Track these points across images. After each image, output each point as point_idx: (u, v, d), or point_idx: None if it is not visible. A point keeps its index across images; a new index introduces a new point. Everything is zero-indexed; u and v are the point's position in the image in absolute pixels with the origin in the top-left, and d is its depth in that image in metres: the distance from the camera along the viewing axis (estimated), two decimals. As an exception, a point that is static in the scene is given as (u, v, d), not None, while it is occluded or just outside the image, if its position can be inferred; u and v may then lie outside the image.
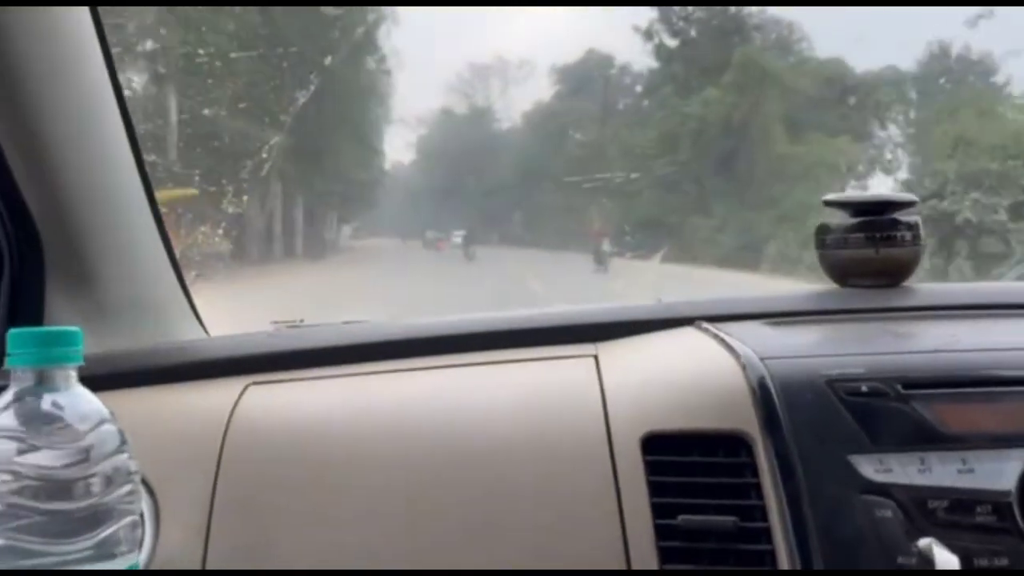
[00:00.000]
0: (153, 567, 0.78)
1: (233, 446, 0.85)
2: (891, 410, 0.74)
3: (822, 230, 1.06)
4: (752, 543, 0.72)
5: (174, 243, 1.23)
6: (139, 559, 0.79)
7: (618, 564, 0.73)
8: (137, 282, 1.15)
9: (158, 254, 1.17)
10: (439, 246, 20.84)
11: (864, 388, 0.75)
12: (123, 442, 0.68)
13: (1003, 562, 0.68)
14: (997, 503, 0.69)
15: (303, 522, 0.80)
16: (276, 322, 1.35)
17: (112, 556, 0.65)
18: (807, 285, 1.06)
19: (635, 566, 0.73)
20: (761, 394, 0.76)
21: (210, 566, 0.78)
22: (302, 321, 1.34)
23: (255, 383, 0.94)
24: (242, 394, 0.91)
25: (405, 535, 0.78)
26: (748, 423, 0.76)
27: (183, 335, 1.23)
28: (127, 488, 0.68)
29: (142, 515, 0.80)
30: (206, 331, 1.30)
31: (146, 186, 1.12)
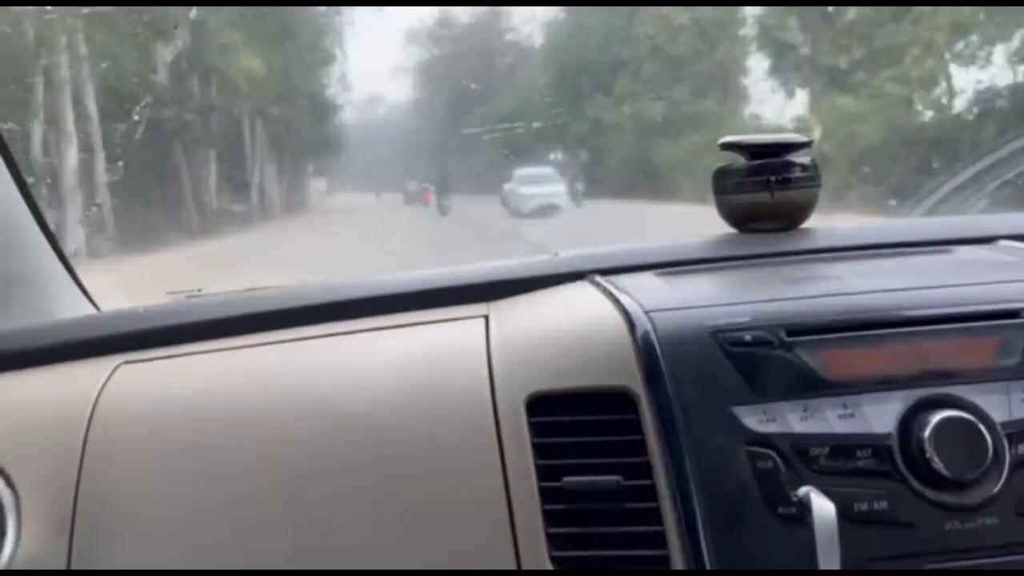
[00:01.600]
0: (16, 562, 0.74)
1: (99, 430, 0.80)
2: (775, 359, 0.72)
3: (719, 174, 1.04)
4: (637, 501, 0.71)
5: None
6: (4, 551, 0.75)
7: (503, 529, 0.72)
8: (7, 260, 1.08)
9: (29, 230, 1.10)
10: (425, 198, 18.25)
11: (748, 338, 0.73)
12: None
13: (883, 505, 0.68)
14: (877, 446, 0.69)
15: (172, 506, 0.76)
16: (172, 292, 1.29)
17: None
18: (704, 233, 1.04)
19: (520, 530, 0.71)
20: (645, 349, 0.74)
21: (75, 558, 0.74)
22: (200, 291, 1.29)
23: (127, 362, 0.89)
24: (112, 374, 0.86)
25: (283, 514, 0.75)
26: (632, 379, 0.74)
27: (69, 312, 1.16)
28: None
29: (0, 507, 0.76)
30: (96, 306, 1.24)
31: (5, 158, 1.04)
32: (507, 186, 14.92)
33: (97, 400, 0.83)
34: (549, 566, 0.70)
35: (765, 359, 0.72)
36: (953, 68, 12.37)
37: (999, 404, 0.70)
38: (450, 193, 17.01)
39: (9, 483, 0.77)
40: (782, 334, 0.73)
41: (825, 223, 1.05)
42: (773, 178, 0.99)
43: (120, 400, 0.83)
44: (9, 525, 0.76)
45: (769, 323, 0.74)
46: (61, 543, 0.75)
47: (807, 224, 1.04)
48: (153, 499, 0.77)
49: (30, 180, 1.09)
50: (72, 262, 1.22)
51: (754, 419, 0.70)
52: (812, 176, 1.01)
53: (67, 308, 1.16)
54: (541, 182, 14.30)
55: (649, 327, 0.75)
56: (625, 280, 0.89)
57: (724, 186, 1.03)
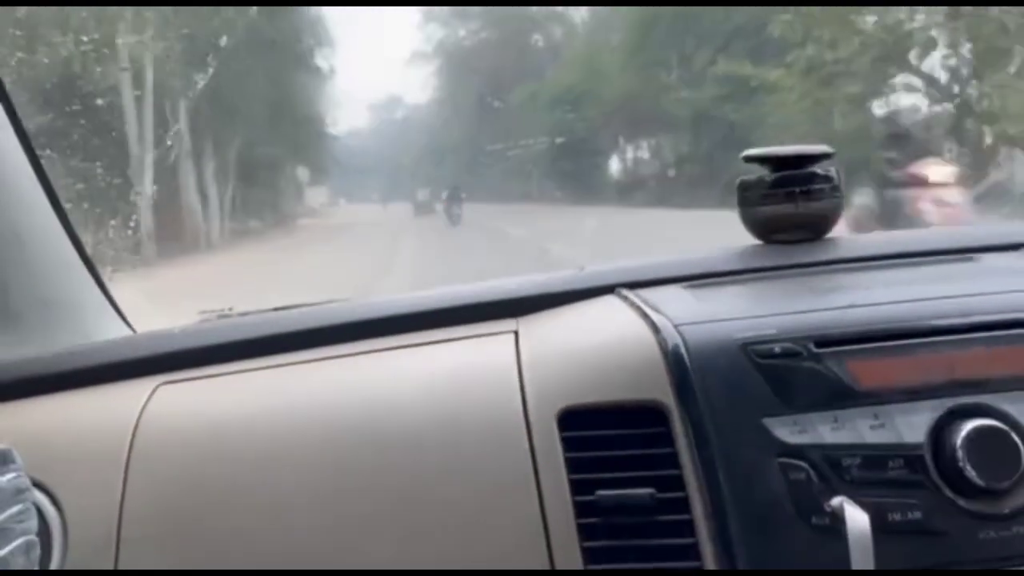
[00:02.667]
0: None
1: (141, 452, 0.82)
2: (804, 370, 0.73)
3: (744, 187, 1.04)
4: (670, 514, 0.71)
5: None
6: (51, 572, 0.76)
7: (538, 544, 0.73)
8: (45, 284, 1.10)
9: (66, 253, 1.13)
10: (448, 208, 16.40)
11: (777, 349, 0.74)
12: (8, 461, 0.65)
13: (916, 515, 0.68)
14: (909, 456, 0.69)
15: (214, 526, 0.77)
16: (204, 311, 1.32)
17: (4, 579, 0.63)
18: (731, 244, 1.05)
19: (555, 545, 0.72)
20: (675, 362, 0.75)
21: None
22: (231, 309, 1.31)
23: (166, 383, 0.91)
24: (152, 395, 0.88)
25: (321, 530, 0.76)
26: (663, 392, 0.75)
27: (104, 334, 1.19)
28: (16, 508, 0.65)
29: (47, 528, 0.78)
30: (131, 327, 1.26)
31: (44, 183, 1.07)
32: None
33: (139, 421, 0.85)
34: None
35: (795, 371, 0.73)
36: None
37: None
38: (463, 202, 16.10)
39: (56, 504, 0.79)
40: (811, 345, 0.74)
41: (850, 234, 1.06)
42: (797, 189, 1.00)
43: (160, 421, 0.85)
44: (55, 547, 0.78)
45: (798, 335, 0.74)
46: (107, 563, 0.77)
47: (831, 235, 1.05)
48: (196, 518, 0.78)
49: (67, 205, 1.12)
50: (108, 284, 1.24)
51: (785, 431, 0.71)
52: (836, 186, 1.02)
53: (104, 330, 1.18)
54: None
55: (679, 340, 0.76)
56: (653, 293, 0.90)
57: (748, 198, 1.03)
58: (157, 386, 0.90)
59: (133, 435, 0.83)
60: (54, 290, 1.12)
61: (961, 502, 0.68)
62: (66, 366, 0.97)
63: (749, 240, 1.06)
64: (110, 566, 0.76)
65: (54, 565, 0.76)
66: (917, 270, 0.93)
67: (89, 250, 1.20)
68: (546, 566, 0.72)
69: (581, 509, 0.73)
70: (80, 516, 0.79)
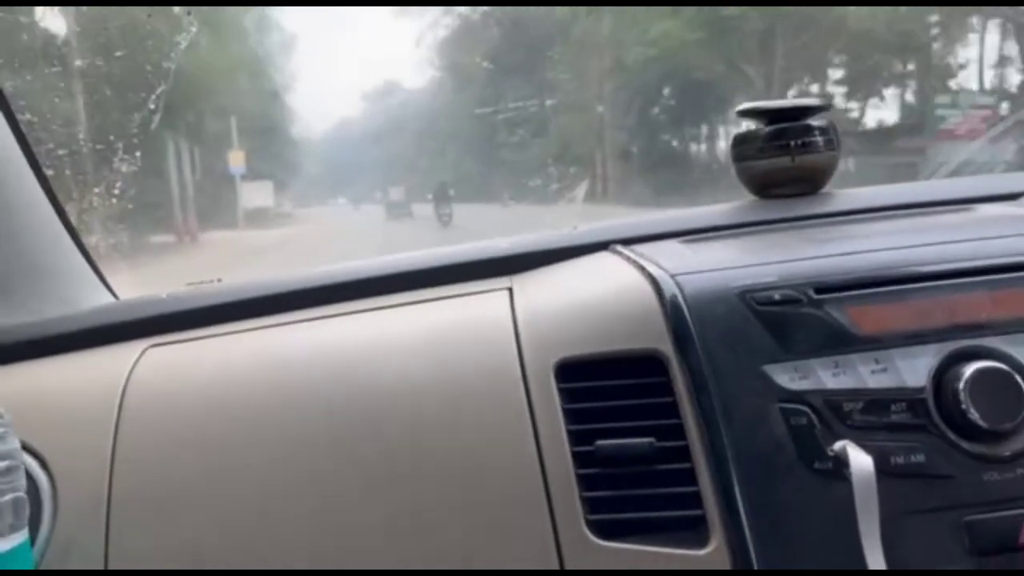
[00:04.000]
0: (53, 546, 0.75)
1: (131, 412, 0.80)
2: (804, 316, 0.72)
3: (738, 141, 1.03)
4: (670, 463, 0.71)
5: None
6: (40, 535, 0.75)
7: (538, 495, 0.72)
8: (29, 253, 1.08)
9: (49, 221, 1.10)
10: (436, 208, 14.21)
11: (776, 296, 0.73)
12: None
13: (919, 458, 0.67)
14: (911, 400, 0.69)
15: (204, 485, 0.76)
16: (192, 283, 1.30)
17: (-9, 535, 0.62)
18: (725, 201, 1.04)
19: (555, 496, 0.71)
20: (672, 311, 0.74)
21: (112, 540, 0.74)
22: (219, 280, 1.29)
23: (154, 345, 0.89)
24: (140, 358, 0.87)
25: (316, 487, 0.75)
26: (661, 341, 0.74)
27: (90, 302, 1.17)
28: (4, 465, 0.64)
29: (36, 491, 0.77)
30: (115, 296, 1.25)
31: (25, 150, 1.05)
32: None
33: (127, 384, 0.83)
34: (585, 529, 0.70)
35: (794, 317, 0.72)
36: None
37: None
38: (450, 201, 14.19)
39: (45, 467, 0.78)
40: (810, 292, 0.73)
41: (846, 188, 1.05)
42: (793, 142, 0.98)
43: (149, 383, 0.84)
44: (45, 509, 0.76)
45: (797, 282, 0.73)
46: (98, 525, 0.75)
47: (828, 188, 1.03)
48: (186, 479, 0.77)
49: (50, 173, 1.10)
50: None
51: (786, 377, 0.70)
52: (831, 140, 1.01)
53: (89, 298, 1.17)
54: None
55: (676, 290, 0.75)
56: (648, 248, 0.89)
57: (744, 152, 1.02)
58: (145, 348, 0.88)
59: (122, 397, 0.82)
60: (38, 259, 1.09)
61: (964, 444, 0.67)
62: (53, 331, 0.95)
63: (745, 196, 1.05)
64: (101, 528, 0.75)
65: (44, 527, 0.75)
66: (916, 220, 0.92)
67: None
68: (547, 517, 0.71)
69: (580, 460, 0.72)
70: (69, 479, 0.78)
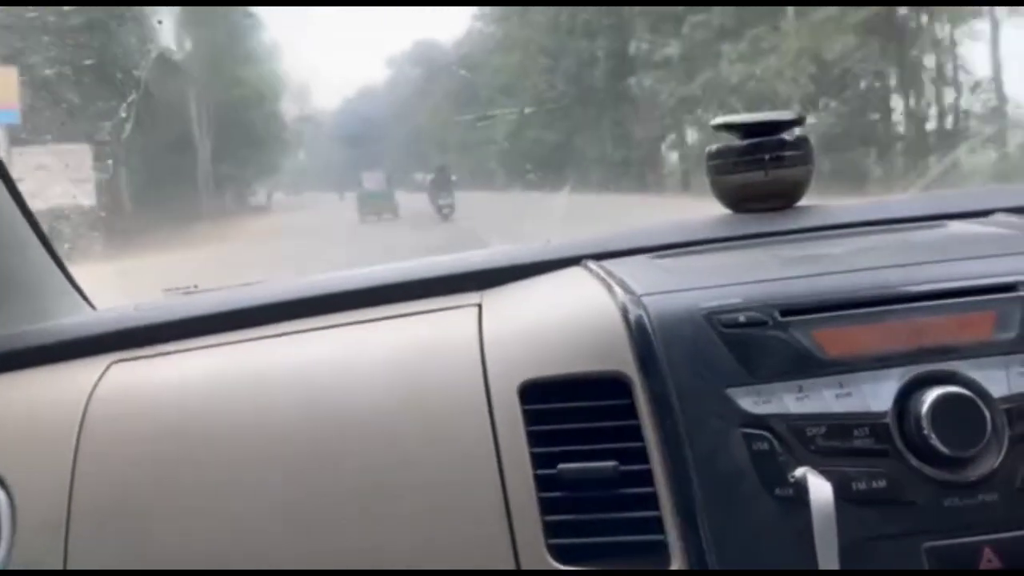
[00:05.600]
0: (12, 564, 0.74)
1: (92, 430, 0.80)
2: (769, 339, 0.71)
3: (713, 155, 1.03)
4: (633, 486, 0.70)
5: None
6: None
7: (499, 518, 0.71)
8: (3, 266, 1.07)
9: (20, 230, 1.09)
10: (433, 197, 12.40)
11: (742, 318, 0.72)
12: None
13: (881, 484, 0.67)
14: (874, 425, 0.68)
15: (166, 504, 0.75)
16: (168, 289, 1.29)
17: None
18: (700, 214, 1.03)
19: (516, 519, 0.71)
20: (638, 333, 0.73)
21: (71, 559, 0.74)
22: (196, 287, 1.28)
23: (119, 360, 0.88)
24: (104, 374, 0.86)
25: (279, 508, 0.75)
26: (626, 364, 0.73)
27: (64, 312, 1.16)
28: None
29: None
30: (91, 305, 1.24)
31: None
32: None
33: (89, 400, 0.82)
34: (546, 554, 0.69)
35: (759, 340, 0.71)
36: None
37: (997, 379, 0.69)
38: (452, 188, 12.48)
39: (4, 486, 0.77)
40: (776, 314, 0.72)
41: (820, 202, 1.05)
42: (767, 156, 0.98)
43: (112, 399, 0.83)
44: (3, 528, 0.76)
45: (762, 303, 0.73)
46: (57, 544, 0.75)
47: (802, 202, 1.03)
48: (147, 497, 0.76)
49: (19, 179, 1.09)
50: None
51: (749, 401, 0.69)
52: (806, 154, 1.00)
53: (62, 309, 1.15)
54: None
55: (642, 312, 0.75)
56: (618, 265, 0.88)
57: (718, 166, 1.02)
58: (110, 364, 0.88)
59: (84, 414, 0.81)
60: (11, 272, 1.08)
61: (927, 470, 0.67)
62: (18, 345, 0.94)
63: (719, 209, 1.05)
64: (60, 546, 0.74)
65: (2, 546, 0.74)
66: (886, 237, 0.92)
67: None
68: (507, 540, 0.70)
69: (543, 483, 0.71)
70: (29, 496, 0.77)
